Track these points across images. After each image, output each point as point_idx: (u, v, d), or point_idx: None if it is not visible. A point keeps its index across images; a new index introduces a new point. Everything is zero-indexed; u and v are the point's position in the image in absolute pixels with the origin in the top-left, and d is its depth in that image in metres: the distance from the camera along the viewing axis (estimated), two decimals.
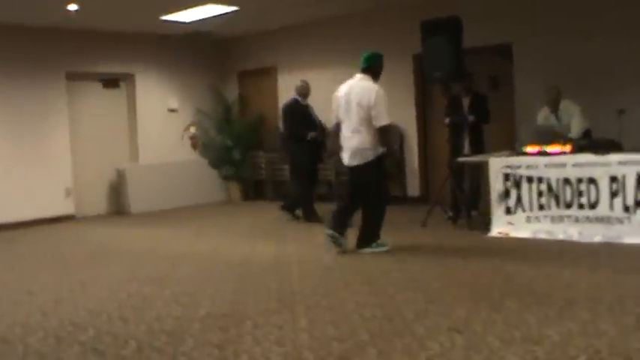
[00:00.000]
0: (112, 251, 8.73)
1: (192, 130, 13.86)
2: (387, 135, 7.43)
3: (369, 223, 7.63)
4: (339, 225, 7.65)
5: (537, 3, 10.30)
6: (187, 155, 13.75)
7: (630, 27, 9.46)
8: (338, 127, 7.68)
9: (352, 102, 7.42)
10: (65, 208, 12.08)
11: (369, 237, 7.60)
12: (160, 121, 13.49)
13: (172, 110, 13.69)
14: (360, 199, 7.62)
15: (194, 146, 13.90)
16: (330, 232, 7.60)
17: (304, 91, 10.43)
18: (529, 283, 5.79)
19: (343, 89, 7.63)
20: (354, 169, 7.54)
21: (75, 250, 8.92)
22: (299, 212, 10.37)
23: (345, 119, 7.52)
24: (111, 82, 13.09)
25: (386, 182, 7.84)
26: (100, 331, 5.07)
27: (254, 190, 14.03)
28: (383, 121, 7.31)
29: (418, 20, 9.39)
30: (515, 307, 5.06)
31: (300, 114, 10.30)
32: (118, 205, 12.88)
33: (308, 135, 10.08)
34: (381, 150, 7.40)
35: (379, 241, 7.61)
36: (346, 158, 7.57)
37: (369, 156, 7.38)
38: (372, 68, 7.63)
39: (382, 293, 5.69)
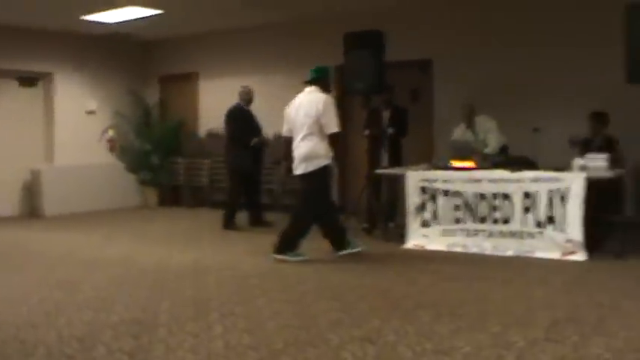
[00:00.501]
0: (23, 254, 8.51)
1: (111, 133, 13.65)
2: (337, 142, 7.54)
3: (292, 231, 7.66)
4: (339, 241, 7.75)
5: (457, 21, 10.52)
6: (104, 158, 13.52)
7: (545, 49, 9.75)
8: (288, 141, 7.77)
9: (300, 113, 7.55)
10: None
11: (287, 244, 7.62)
12: (78, 123, 13.22)
13: (91, 112, 13.45)
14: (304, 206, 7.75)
15: (112, 149, 13.69)
16: (341, 254, 7.71)
17: (246, 96, 10.39)
18: (442, 295, 5.88)
19: (295, 103, 7.74)
20: (299, 178, 7.67)
21: None
22: (265, 218, 10.40)
23: (295, 131, 7.63)
24: (28, 80, 12.79)
25: (325, 196, 7.78)
26: (7, 335, 4.93)
27: (171, 196, 13.88)
28: (333, 128, 7.43)
29: (341, 32, 9.46)
30: (427, 318, 5.13)
31: (243, 119, 10.26)
32: (31, 207, 12.57)
33: (251, 140, 10.05)
34: (325, 161, 7.48)
35: (297, 251, 7.63)
36: (295, 167, 7.67)
37: (312, 166, 7.48)
38: (320, 80, 7.75)
39: (298, 302, 5.70)
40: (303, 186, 7.70)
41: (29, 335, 4.93)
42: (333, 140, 7.48)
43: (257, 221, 10.32)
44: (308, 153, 7.48)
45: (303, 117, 7.51)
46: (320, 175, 7.52)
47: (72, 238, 9.81)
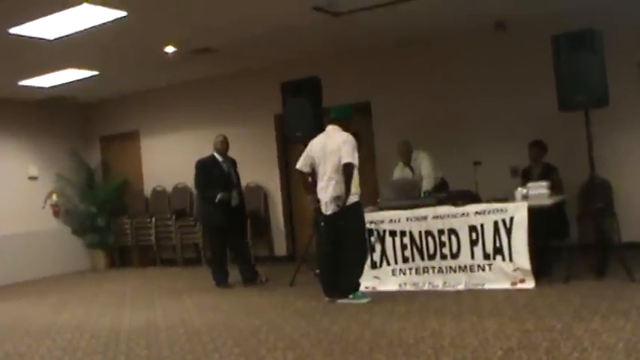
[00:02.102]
0: None
1: (54, 197, 13.49)
2: (349, 173, 7.49)
3: (348, 272, 7.65)
4: (330, 286, 7.74)
5: (393, 62, 10.72)
6: (49, 224, 13.34)
7: (480, 84, 10.02)
8: (303, 174, 7.99)
9: (327, 151, 7.64)
10: None
11: (347, 286, 7.62)
12: (20, 190, 13.04)
13: (32, 178, 13.30)
14: (340, 246, 7.67)
15: (56, 214, 13.52)
16: (327, 299, 7.71)
17: (219, 146, 9.66)
18: (397, 334, 5.88)
19: (319, 140, 7.81)
20: (332, 218, 7.63)
21: None
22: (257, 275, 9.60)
23: (321, 170, 7.70)
24: None
25: (363, 230, 7.86)
26: None
27: (120, 257, 13.75)
28: (346, 159, 7.47)
29: (279, 82, 9.54)
30: (383, 359, 5.12)
31: (213, 171, 9.53)
32: None
33: (216, 196, 9.37)
34: (355, 198, 7.54)
35: (358, 293, 7.64)
36: (323, 208, 7.68)
37: (347, 202, 7.50)
38: (341, 119, 7.85)
39: (252, 354, 5.65)
40: (338, 225, 7.62)
41: None
42: (346, 170, 7.48)
43: (249, 279, 9.54)
44: (335, 193, 7.53)
45: (330, 154, 7.61)
46: (354, 212, 7.58)
47: (20, 308, 9.61)
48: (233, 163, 9.82)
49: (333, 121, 7.87)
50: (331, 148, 7.62)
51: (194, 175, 9.76)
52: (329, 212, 7.65)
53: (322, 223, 7.80)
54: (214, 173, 9.56)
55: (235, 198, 9.53)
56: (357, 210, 7.65)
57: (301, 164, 7.95)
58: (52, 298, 10.12)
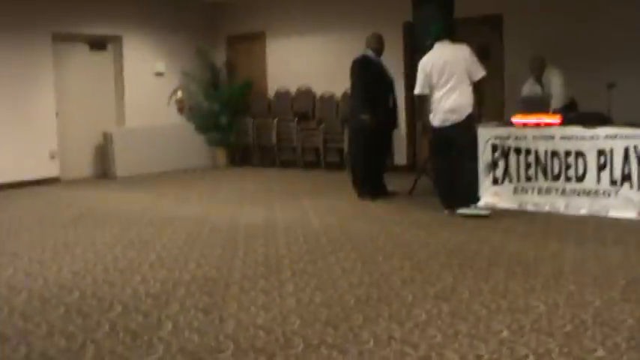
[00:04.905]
0: (96, 215, 8.64)
1: (180, 94, 13.74)
2: (482, 87, 7.58)
3: (467, 184, 7.65)
4: (448, 198, 7.72)
5: None
6: (174, 119, 13.63)
7: (621, 2, 9.47)
8: (423, 98, 7.81)
9: (447, 65, 7.55)
10: (50, 170, 11.91)
11: (466, 197, 7.61)
12: (147, 85, 13.33)
13: (159, 74, 13.55)
14: (458, 157, 7.62)
15: (181, 111, 13.79)
16: (446, 211, 7.68)
17: (375, 45, 8.94)
18: (516, 253, 5.80)
19: (434, 56, 7.70)
20: (449, 129, 7.56)
21: (59, 213, 8.83)
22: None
23: (440, 83, 7.59)
24: (98, 44, 12.92)
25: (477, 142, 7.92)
26: (85, 293, 5.04)
27: (241, 156, 13.96)
28: (481, 72, 7.53)
29: None
30: (501, 276, 5.07)
31: (372, 71, 8.84)
32: (103, 169, 12.77)
33: (366, 114, 8.63)
34: (471, 109, 7.51)
35: (478, 205, 7.69)
36: (439, 120, 7.60)
37: (465, 113, 7.49)
38: (447, 35, 7.78)
39: (369, 260, 5.69)
40: (456, 137, 7.55)
41: (105, 292, 5.04)
42: (481, 84, 7.55)
43: (379, 192, 8.94)
44: (461, 102, 7.49)
45: (452, 67, 7.52)
46: (472, 122, 7.60)
47: (143, 198, 9.94)
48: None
49: (439, 39, 7.73)
50: (456, 58, 7.53)
51: (350, 75, 9.03)
52: (447, 124, 7.53)
53: (433, 136, 7.79)
54: (373, 72, 8.90)
55: (392, 100, 9.13)
56: (472, 122, 7.59)
57: (421, 88, 7.75)
58: (174, 192, 10.43)
